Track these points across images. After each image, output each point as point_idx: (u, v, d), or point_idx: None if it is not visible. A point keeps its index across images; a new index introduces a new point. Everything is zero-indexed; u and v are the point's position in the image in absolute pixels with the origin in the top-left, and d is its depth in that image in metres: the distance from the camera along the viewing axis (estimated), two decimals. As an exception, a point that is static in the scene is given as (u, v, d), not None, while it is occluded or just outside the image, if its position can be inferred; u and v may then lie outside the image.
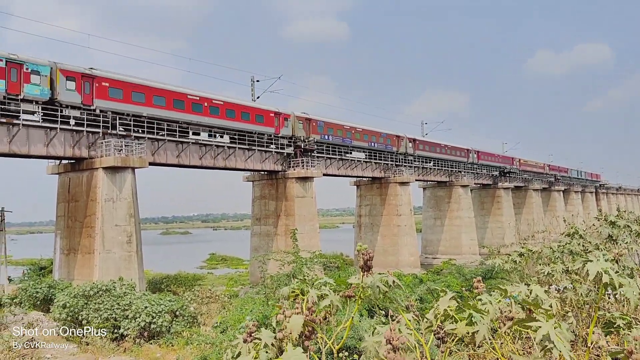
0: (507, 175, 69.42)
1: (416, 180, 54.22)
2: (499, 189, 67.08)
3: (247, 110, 35.65)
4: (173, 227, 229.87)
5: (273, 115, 37.36)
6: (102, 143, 27.22)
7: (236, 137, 34.80)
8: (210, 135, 33.50)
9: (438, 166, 57.42)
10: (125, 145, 27.41)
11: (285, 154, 38.75)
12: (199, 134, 32.89)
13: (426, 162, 55.30)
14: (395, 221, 47.67)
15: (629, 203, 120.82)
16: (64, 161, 28.76)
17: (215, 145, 33.95)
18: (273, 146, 37.58)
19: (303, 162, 38.25)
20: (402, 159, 51.13)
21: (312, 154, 39.68)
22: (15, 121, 24.23)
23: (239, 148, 35.39)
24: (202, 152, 33.53)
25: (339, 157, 43.90)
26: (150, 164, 29.76)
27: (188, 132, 32.09)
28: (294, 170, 38.36)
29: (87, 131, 27.02)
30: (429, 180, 58.18)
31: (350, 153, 45.34)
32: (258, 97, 41.29)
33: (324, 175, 42.16)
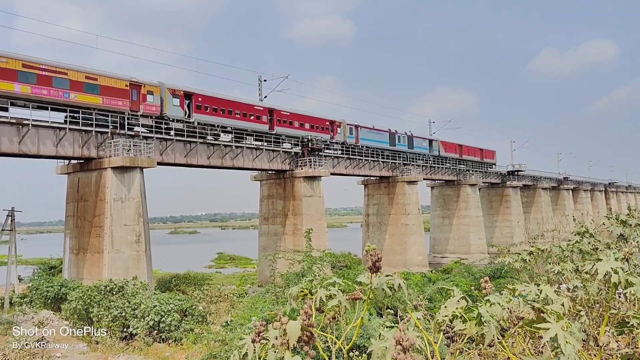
0: (516, 173, 69.02)
1: (424, 179, 54.04)
2: (508, 187, 66.71)
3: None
4: (181, 227, 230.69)
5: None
6: (110, 143, 27.33)
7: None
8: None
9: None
10: (134, 145, 27.48)
11: (292, 153, 38.75)
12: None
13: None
14: (403, 220, 47.56)
15: (639, 202, 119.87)
16: (73, 161, 28.92)
17: (223, 145, 33.97)
18: (287, 145, 37.96)
19: (310, 162, 38.22)
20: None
21: (320, 153, 39.66)
22: (25, 121, 24.47)
23: (246, 147, 35.41)
24: (210, 152, 33.47)
25: (347, 156, 43.90)
26: (159, 163, 29.85)
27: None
28: (302, 169, 38.35)
29: (95, 131, 27.17)
30: (437, 179, 57.94)
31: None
32: (265, 97, 41.33)
33: (332, 174, 42.16)
